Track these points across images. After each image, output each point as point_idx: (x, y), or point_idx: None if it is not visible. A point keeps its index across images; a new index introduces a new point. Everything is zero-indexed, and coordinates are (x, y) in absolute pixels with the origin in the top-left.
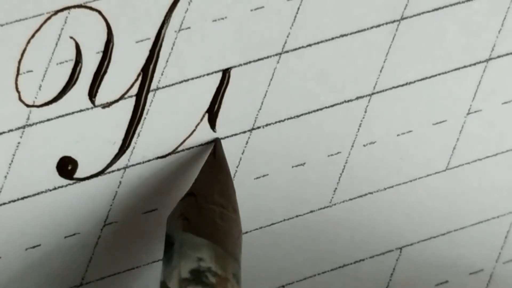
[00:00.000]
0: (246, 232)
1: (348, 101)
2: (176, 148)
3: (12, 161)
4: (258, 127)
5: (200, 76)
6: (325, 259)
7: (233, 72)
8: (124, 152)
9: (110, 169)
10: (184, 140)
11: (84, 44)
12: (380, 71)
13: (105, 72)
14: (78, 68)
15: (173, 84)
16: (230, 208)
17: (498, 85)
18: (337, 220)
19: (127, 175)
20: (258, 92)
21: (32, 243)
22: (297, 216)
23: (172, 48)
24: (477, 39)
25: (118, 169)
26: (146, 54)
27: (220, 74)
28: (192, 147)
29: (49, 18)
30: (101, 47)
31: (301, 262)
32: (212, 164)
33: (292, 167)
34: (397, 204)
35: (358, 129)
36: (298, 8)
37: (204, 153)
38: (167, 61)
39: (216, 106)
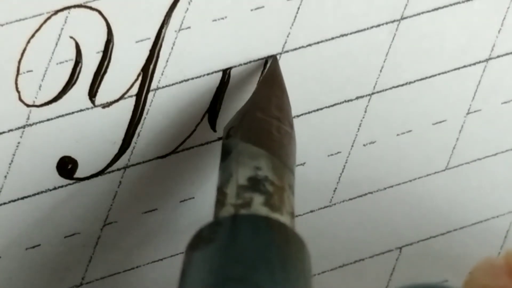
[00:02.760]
0: None
1: (348, 101)
2: (176, 148)
3: (12, 161)
4: None
5: (200, 76)
6: (325, 259)
7: (233, 72)
8: (124, 152)
9: (110, 169)
10: (184, 140)
11: (84, 44)
12: (380, 71)
13: (105, 72)
14: (78, 68)
15: (173, 84)
16: (287, 123)
17: (498, 85)
18: (337, 219)
19: (127, 175)
20: None
21: (32, 243)
22: (297, 215)
23: (172, 48)
24: (477, 39)
25: (118, 169)
26: (146, 54)
27: (220, 74)
28: (192, 147)
29: (49, 18)
30: (101, 47)
31: None
32: (269, 80)
33: None
34: (397, 203)
35: (358, 128)
36: (298, 8)
37: (204, 153)
38: (167, 61)
39: (217, 106)
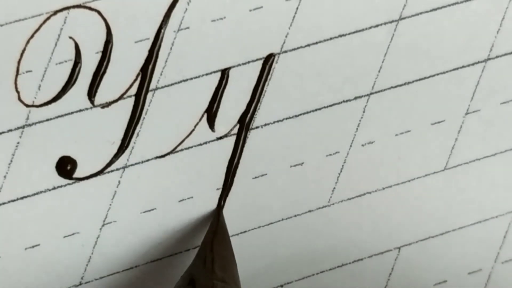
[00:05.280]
0: (245, 232)
1: (347, 101)
2: (175, 147)
3: (11, 161)
4: (257, 127)
5: (199, 76)
6: (324, 259)
7: (231, 72)
8: (123, 151)
9: (109, 169)
10: (183, 140)
11: (83, 44)
12: (379, 71)
13: (104, 72)
14: (77, 68)
15: (172, 84)
16: (232, 282)
17: (497, 85)
18: (335, 219)
19: (126, 175)
20: (257, 92)
21: (32, 242)
22: (295, 215)
23: (171, 48)
24: (476, 39)
25: (117, 169)
26: (145, 54)
27: (219, 74)
28: (191, 147)
29: (48, 18)
30: (100, 47)
31: (300, 261)
32: (213, 238)
33: (291, 166)
34: (395, 204)
35: (357, 129)
36: (297, 8)
37: (203, 153)
38: (166, 61)
39: (215, 106)
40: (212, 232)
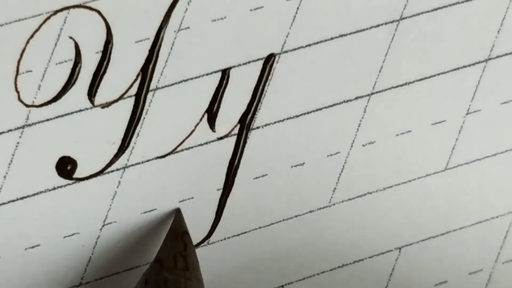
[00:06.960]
0: (245, 232)
1: (347, 101)
2: (176, 148)
3: (11, 161)
4: (257, 127)
5: (199, 76)
6: (324, 259)
7: (232, 72)
8: (124, 152)
9: (109, 169)
10: (184, 140)
11: (83, 44)
12: (379, 71)
13: (105, 72)
14: (77, 68)
15: (172, 84)
16: (193, 278)
17: (497, 85)
18: (336, 220)
19: (126, 175)
20: (257, 92)
21: (32, 243)
22: (296, 216)
23: (171, 48)
24: (476, 39)
25: (118, 169)
26: (145, 54)
27: (219, 74)
28: (192, 147)
29: (48, 18)
30: (100, 47)
31: (300, 262)
32: (173, 236)
33: (292, 167)
34: (396, 204)
35: (358, 129)
36: (298, 8)
37: (203, 153)
38: (166, 61)
39: (216, 106)
40: (174, 231)
